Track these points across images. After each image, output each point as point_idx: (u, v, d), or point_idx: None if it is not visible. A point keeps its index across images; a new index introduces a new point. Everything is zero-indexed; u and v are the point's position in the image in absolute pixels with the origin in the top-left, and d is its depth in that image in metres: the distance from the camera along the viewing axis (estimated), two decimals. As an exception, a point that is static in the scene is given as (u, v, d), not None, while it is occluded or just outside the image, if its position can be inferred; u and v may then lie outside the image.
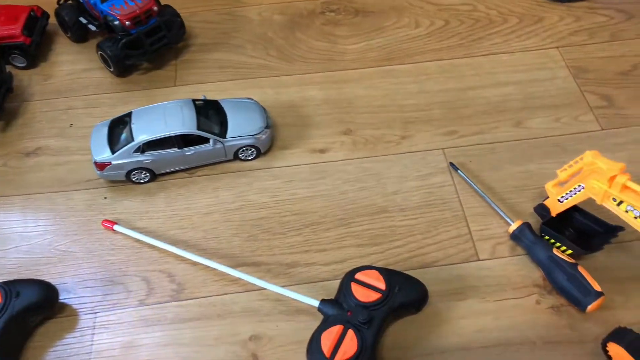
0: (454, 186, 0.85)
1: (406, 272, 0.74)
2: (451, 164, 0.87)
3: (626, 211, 0.66)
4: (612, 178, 0.66)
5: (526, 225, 0.77)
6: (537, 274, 0.76)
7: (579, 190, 0.71)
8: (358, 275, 0.70)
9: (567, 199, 0.73)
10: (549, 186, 0.75)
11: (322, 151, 0.90)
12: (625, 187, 0.66)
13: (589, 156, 0.68)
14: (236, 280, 0.75)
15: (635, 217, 0.65)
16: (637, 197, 0.65)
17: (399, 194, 0.84)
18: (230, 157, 0.87)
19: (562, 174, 0.72)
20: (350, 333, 0.65)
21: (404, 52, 1.03)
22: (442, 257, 0.78)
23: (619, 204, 0.67)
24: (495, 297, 0.74)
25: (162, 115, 0.82)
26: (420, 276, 0.75)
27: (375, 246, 0.79)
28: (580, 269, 0.72)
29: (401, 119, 0.94)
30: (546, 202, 0.77)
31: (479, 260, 0.77)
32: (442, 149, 0.89)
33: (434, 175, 0.86)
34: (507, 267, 0.77)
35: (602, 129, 0.91)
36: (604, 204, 0.68)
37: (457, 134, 0.91)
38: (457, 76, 0.99)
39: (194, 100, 0.85)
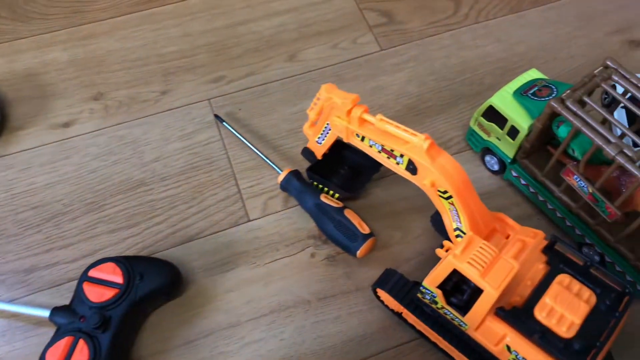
0: (221, 141, 0.75)
1: (161, 253, 0.66)
2: (216, 116, 0.77)
3: (370, 146, 0.60)
4: (349, 112, 0.59)
5: (293, 173, 0.69)
6: (312, 224, 0.69)
7: (330, 130, 0.64)
8: (92, 272, 0.60)
9: (323, 139, 0.66)
10: (305, 128, 0.67)
11: (66, 125, 0.76)
12: (363, 121, 0.59)
13: (323, 92, 0.61)
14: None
15: (379, 151, 0.59)
16: (374, 130, 0.58)
17: (160, 161, 0.74)
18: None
19: (311, 114, 0.65)
20: (81, 343, 0.56)
21: (164, -10, 0.90)
22: (208, 225, 0.69)
23: (362, 139, 0.60)
24: (266, 260, 0.67)
25: None
26: (182, 252, 0.66)
27: (131, 228, 0.69)
28: (348, 212, 0.66)
29: (161, 70, 0.81)
30: (309, 145, 0.70)
31: (249, 221, 0.69)
32: (209, 99, 0.79)
33: (200, 132, 0.76)
34: (280, 222, 0.70)
35: (382, 49, 0.84)
36: (350, 142, 0.62)
37: (226, 79, 0.81)
38: (226, 11, 0.87)
39: None
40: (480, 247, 0.50)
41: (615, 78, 0.60)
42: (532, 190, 0.68)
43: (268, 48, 0.84)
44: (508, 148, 0.68)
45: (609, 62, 0.60)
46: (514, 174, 0.70)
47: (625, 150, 0.55)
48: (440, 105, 0.79)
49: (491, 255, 0.50)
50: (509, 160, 0.69)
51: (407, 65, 0.83)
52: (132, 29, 0.85)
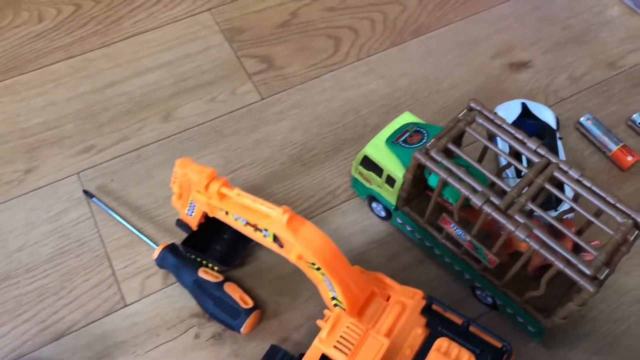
0: (92, 219, 0.70)
1: (28, 356, 0.59)
2: (85, 191, 0.71)
3: (235, 220, 0.56)
4: (207, 187, 0.55)
5: (169, 248, 0.65)
6: (195, 301, 0.65)
7: (195, 204, 0.60)
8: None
9: (192, 211, 0.62)
10: (173, 201, 0.63)
11: None
12: (223, 195, 0.55)
13: (178, 168, 0.57)
14: None
15: (245, 225, 0.55)
16: (235, 204, 0.54)
17: (25, 249, 0.68)
18: None
19: (173, 187, 0.60)
20: None
21: (25, 57, 0.83)
22: (80, 316, 0.63)
23: (227, 213, 0.56)
24: (147, 347, 0.62)
25: None
26: (53, 351, 0.60)
27: (-4, 330, 0.63)
28: (228, 286, 0.62)
29: (25, 146, 0.75)
30: (181, 217, 0.65)
31: (126, 305, 0.64)
32: (77, 173, 0.73)
33: (68, 212, 0.70)
34: (160, 303, 0.64)
35: (263, 98, 0.81)
36: (215, 216, 0.58)
37: (95, 148, 0.75)
38: (92, 74, 0.82)
39: None
40: (347, 327, 0.47)
41: (480, 121, 0.58)
42: (418, 236, 0.66)
43: (141, 109, 0.79)
44: (389, 195, 0.66)
45: (472, 104, 0.59)
46: (399, 220, 0.67)
47: (492, 199, 0.53)
48: (326, 153, 0.76)
49: (359, 334, 0.47)
50: (393, 208, 0.67)
51: (290, 112, 0.80)
52: (-9, 102, 0.79)
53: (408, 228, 0.67)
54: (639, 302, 0.66)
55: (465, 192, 0.53)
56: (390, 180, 0.64)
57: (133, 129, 0.77)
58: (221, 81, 0.82)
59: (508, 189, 0.53)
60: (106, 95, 0.80)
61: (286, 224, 0.50)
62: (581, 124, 0.78)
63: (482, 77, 0.83)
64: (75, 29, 0.86)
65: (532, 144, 0.56)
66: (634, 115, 0.79)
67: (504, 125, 0.58)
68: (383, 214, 0.70)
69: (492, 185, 0.65)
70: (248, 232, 0.55)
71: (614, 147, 0.75)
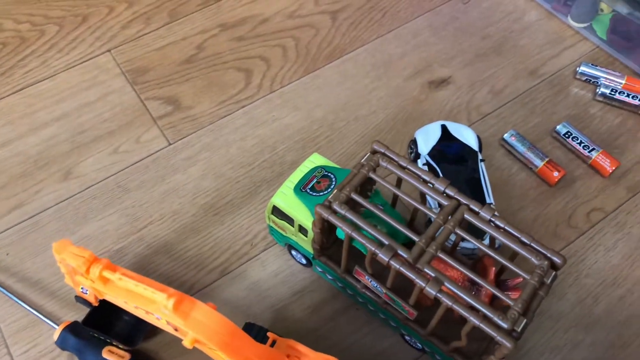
0: (-15, 301, 0.64)
1: None
2: (-26, 272, 0.65)
3: (125, 302, 0.51)
4: (87, 272, 0.50)
5: (70, 328, 0.59)
6: (104, 383, 0.60)
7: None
8: None
9: (87, 290, 0.57)
10: (67, 280, 0.57)
11: None
12: (105, 279, 0.50)
13: (55, 252, 0.51)
14: None
15: (136, 308, 0.50)
16: (120, 288, 0.49)
17: None
18: None
19: (61, 267, 0.55)
20: None
21: None
22: (-25, 416, 0.58)
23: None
24: None
25: None
26: None
27: None
28: (134, 366, 0.57)
29: None
30: (77, 294, 0.60)
31: (27, 398, 0.59)
32: (-32, 250, 0.67)
33: (-41, 295, 0.64)
34: (65, 390, 0.60)
35: (170, 144, 0.75)
36: (105, 299, 0.53)
37: (-13, 220, 0.70)
38: (-18, 134, 0.76)
39: None
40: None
41: (384, 164, 0.54)
42: (339, 284, 0.62)
43: (37, 169, 0.73)
44: (305, 244, 0.61)
45: (375, 147, 0.55)
46: (319, 269, 0.63)
47: (400, 252, 0.49)
48: (241, 198, 0.71)
49: None
50: (311, 256, 0.63)
51: (200, 157, 0.74)
52: None
53: (329, 277, 0.63)
54: (574, 326, 0.63)
55: (371, 247, 0.49)
56: (303, 230, 0.59)
57: (29, 193, 0.71)
58: (124, 129, 0.76)
59: (416, 239, 0.50)
60: (-3, 157, 0.74)
61: (173, 309, 0.45)
62: (505, 141, 0.75)
63: (400, 99, 0.80)
64: (-40, 86, 0.79)
65: (440, 185, 0.52)
66: (558, 127, 0.76)
67: (410, 167, 0.54)
68: (304, 261, 0.65)
69: (411, 220, 0.62)
70: (141, 314, 0.50)
71: (539, 164, 0.73)
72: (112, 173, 0.73)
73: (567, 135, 0.75)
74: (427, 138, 0.72)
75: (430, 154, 0.71)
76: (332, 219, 0.51)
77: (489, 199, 0.67)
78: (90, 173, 0.72)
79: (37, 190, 0.71)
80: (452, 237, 0.59)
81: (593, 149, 0.74)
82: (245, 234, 0.69)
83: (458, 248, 0.61)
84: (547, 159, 0.73)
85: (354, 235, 0.50)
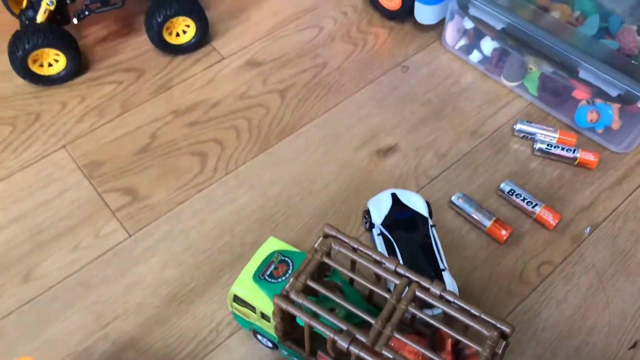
0: (-53, 421, 0.63)
1: None
2: None
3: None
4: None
5: None
6: None
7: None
8: None
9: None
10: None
11: None
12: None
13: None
14: None
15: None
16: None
17: None
18: None
19: (23, 384, 0.55)
20: None
21: None
22: None
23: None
24: None
25: None
26: None
27: None
28: None
29: None
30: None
31: None
32: None
33: None
34: None
35: (130, 235, 0.76)
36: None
37: (-54, 333, 0.68)
38: (-62, 243, 0.76)
39: None
40: None
41: (336, 248, 0.57)
42: (307, 366, 0.64)
43: (-4, 275, 0.73)
44: (270, 329, 0.62)
45: (326, 230, 0.58)
46: (286, 353, 0.64)
47: (358, 336, 0.51)
48: (203, 284, 0.72)
49: None
50: (277, 341, 0.64)
51: (160, 246, 0.75)
52: None
53: None
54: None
55: (330, 334, 0.51)
56: (266, 317, 0.61)
57: (-13, 300, 0.70)
58: (83, 225, 0.77)
59: (372, 322, 0.52)
60: (-47, 267, 0.73)
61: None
62: (453, 203, 0.79)
63: (351, 170, 0.83)
64: None
65: (390, 264, 0.55)
66: (502, 185, 0.80)
67: (361, 248, 0.56)
68: (270, 345, 0.66)
69: (370, 294, 0.64)
70: None
71: (488, 223, 0.76)
72: (74, 271, 0.73)
73: (510, 193, 0.79)
74: (379, 208, 0.75)
75: (383, 223, 0.73)
76: (291, 309, 0.52)
77: (442, 264, 0.70)
78: (51, 273, 0.72)
79: (-3, 296, 0.71)
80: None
81: (536, 205, 0.78)
82: (210, 320, 0.70)
83: (417, 317, 0.63)
84: (494, 218, 0.76)
85: (313, 323, 0.52)
